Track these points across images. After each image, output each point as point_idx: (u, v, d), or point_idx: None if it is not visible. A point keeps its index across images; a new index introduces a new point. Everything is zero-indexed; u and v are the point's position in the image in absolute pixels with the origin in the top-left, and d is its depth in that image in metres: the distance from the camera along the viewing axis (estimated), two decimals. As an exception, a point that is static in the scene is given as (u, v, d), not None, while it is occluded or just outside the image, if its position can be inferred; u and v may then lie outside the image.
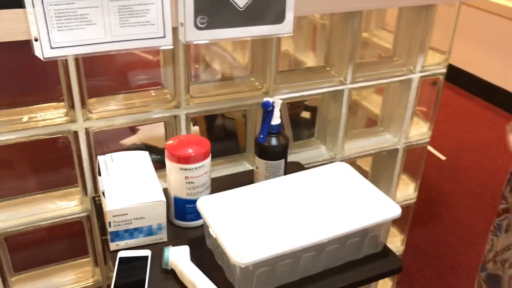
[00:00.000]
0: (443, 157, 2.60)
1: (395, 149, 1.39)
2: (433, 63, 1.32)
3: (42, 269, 1.16)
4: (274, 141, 0.99)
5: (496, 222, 0.99)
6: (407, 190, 1.53)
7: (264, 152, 1.00)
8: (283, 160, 1.02)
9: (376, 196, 0.93)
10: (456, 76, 3.28)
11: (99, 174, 0.96)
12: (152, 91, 1.10)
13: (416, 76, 1.29)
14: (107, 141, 1.21)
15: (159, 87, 1.12)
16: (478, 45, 3.20)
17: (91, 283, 1.17)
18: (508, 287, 0.94)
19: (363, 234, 0.88)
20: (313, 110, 1.64)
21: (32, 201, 1.07)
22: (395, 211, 0.88)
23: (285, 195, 0.93)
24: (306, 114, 1.70)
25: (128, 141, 1.38)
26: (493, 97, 3.15)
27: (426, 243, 2.03)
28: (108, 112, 1.02)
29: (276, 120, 0.98)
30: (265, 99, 0.96)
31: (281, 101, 0.98)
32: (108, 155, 1.01)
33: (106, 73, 1.23)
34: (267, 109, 0.95)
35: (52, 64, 0.94)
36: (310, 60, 1.70)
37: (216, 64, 1.39)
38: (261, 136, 0.97)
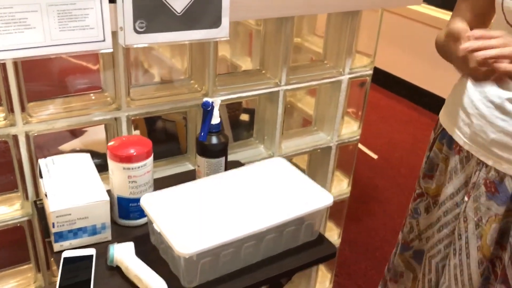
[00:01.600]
0: (375, 156, 2.76)
1: (328, 146, 1.47)
2: (361, 65, 1.42)
3: (-20, 278, 1.13)
4: (214, 140, 1.04)
5: (413, 206, 1.10)
6: (341, 185, 1.62)
7: (205, 150, 1.05)
8: (224, 158, 1.07)
9: (310, 187, 1.00)
10: (385, 80, 3.48)
11: (41, 177, 0.97)
12: (92, 94, 1.12)
13: (345, 78, 1.39)
14: (47, 147, 1.21)
15: (99, 90, 1.14)
16: (404, 51, 3.41)
17: (33, 289, 1.16)
18: (427, 258, 1.04)
19: (299, 222, 0.94)
20: (251, 112, 1.70)
21: (-31, 207, 1.05)
22: (328, 200, 0.95)
23: (226, 189, 0.97)
24: (244, 117, 1.75)
25: (68, 146, 1.37)
26: (419, 99, 3.36)
27: (361, 237, 2.15)
28: (48, 115, 1.03)
29: (215, 119, 1.03)
30: (204, 99, 1.00)
31: (220, 101, 1.03)
32: (49, 158, 1.01)
33: (46, 78, 1.23)
34: (207, 109, 1.00)
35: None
36: (246, 65, 1.77)
37: (156, 68, 1.42)
38: (202, 134, 1.02)
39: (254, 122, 1.42)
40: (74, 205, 0.90)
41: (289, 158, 1.45)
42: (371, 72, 1.45)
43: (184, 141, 1.35)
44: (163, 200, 0.93)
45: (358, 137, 1.53)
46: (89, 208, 0.91)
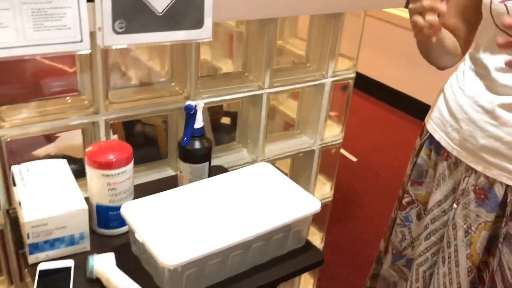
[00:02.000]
0: (354, 159, 2.75)
1: (311, 150, 1.45)
2: (343, 69, 1.40)
3: (-52, 292, 1.07)
4: (197, 144, 1.00)
5: (403, 215, 1.07)
6: (324, 189, 1.60)
7: (188, 156, 1.01)
8: (207, 163, 1.04)
9: (297, 192, 0.97)
10: (364, 84, 3.49)
11: (14, 185, 0.92)
12: (68, 97, 1.07)
13: (328, 81, 1.37)
14: (21, 152, 1.15)
15: (76, 93, 1.09)
16: (383, 55, 3.43)
17: (6, 303, 1.10)
18: (414, 266, 1.02)
19: (287, 229, 0.91)
20: (232, 115, 1.67)
21: None
22: (315, 206, 0.93)
23: (210, 196, 0.94)
24: (225, 120, 1.72)
25: (43, 151, 1.31)
26: (397, 102, 3.38)
27: (343, 240, 2.13)
28: (22, 120, 0.98)
29: (199, 123, 0.99)
30: (187, 103, 0.97)
31: (203, 104, 1.00)
32: (23, 165, 0.96)
33: (19, 80, 1.17)
34: (190, 112, 0.96)
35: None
36: (227, 67, 1.73)
37: (134, 71, 1.37)
38: (185, 139, 0.98)
39: (237, 125, 1.39)
40: (51, 215, 0.85)
41: (272, 162, 1.42)
42: (353, 75, 1.44)
43: (165, 146, 1.31)
44: (145, 208, 0.89)
45: (341, 140, 1.52)
46: (66, 217, 0.86)
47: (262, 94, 1.25)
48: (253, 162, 1.34)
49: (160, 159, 1.30)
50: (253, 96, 1.26)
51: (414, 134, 3.42)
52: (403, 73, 3.31)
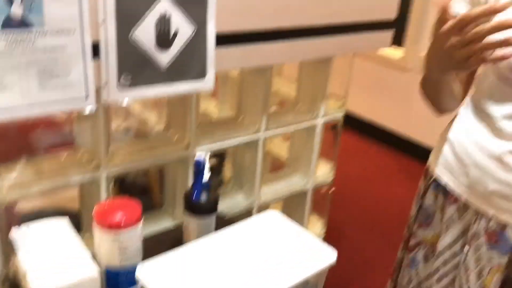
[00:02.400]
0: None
1: (304, 190, 1.45)
2: (334, 108, 1.42)
3: None
4: (206, 197, 0.98)
5: (410, 257, 1.08)
6: (316, 228, 1.60)
7: (196, 209, 0.98)
8: (214, 215, 1.01)
9: (310, 242, 0.96)
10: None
11: (16, 250, 0.86)
12: (67, 152, 1.02)
13: (319, 122, 1.38)
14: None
15: (72, 146, 1.05)
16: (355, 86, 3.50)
17: None
18: None
19: (305, 283, 0.90)
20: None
21: None
22: (332, 257, 0.92)
23: (225, 253, 0.91)
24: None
25: (33, 204, 1.25)
26: (368, 131, 3.46)
27: (329, 273, 2.13)
28: (20, 181, 0.92)
29: (207, 175, 0.97)
30: (197, 158, 0.94)
31: (209, 156, 0.98)
32: (23, 228, 0.91)
33: (12, 135, 1.12)
34: (199, 167, 0.94)
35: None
36: (211, 107, 1.72)
37: (129, 121, 1.34)
38: (195, 194, 0.96)
39: (232, 170, 1.38)
40: (62, 285, 0.80)
41: (267, 206, 1.41)
42: (343, 114, 1.46)
43: (158, 194, 1.28)
44: (160, 270, 0.85)
45: (332, 178, 1.53)
46: (78, 285, 0.82)
47: (259, 138, 1.25)
48: (250, 206, 1.32)
49: (154, 208, 1.26)
50: (250, 141, 1.25)
51: (387, 162, 3.40)
52: (368, 100, 3.39)
